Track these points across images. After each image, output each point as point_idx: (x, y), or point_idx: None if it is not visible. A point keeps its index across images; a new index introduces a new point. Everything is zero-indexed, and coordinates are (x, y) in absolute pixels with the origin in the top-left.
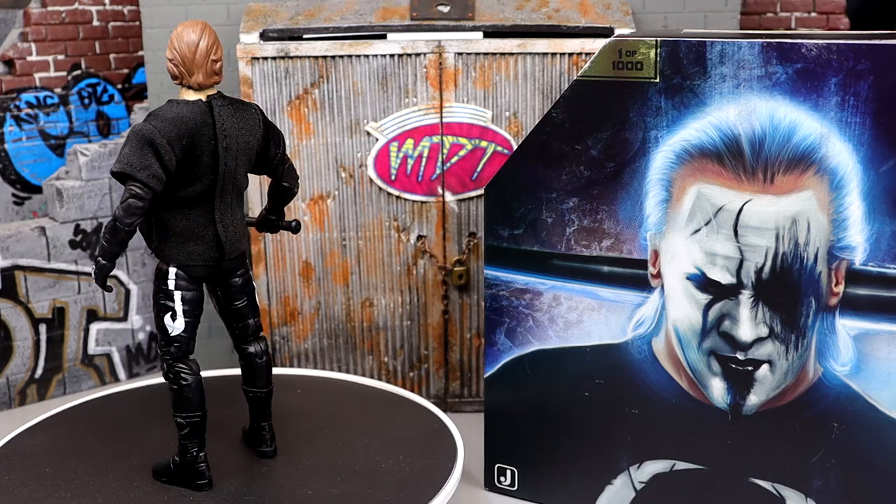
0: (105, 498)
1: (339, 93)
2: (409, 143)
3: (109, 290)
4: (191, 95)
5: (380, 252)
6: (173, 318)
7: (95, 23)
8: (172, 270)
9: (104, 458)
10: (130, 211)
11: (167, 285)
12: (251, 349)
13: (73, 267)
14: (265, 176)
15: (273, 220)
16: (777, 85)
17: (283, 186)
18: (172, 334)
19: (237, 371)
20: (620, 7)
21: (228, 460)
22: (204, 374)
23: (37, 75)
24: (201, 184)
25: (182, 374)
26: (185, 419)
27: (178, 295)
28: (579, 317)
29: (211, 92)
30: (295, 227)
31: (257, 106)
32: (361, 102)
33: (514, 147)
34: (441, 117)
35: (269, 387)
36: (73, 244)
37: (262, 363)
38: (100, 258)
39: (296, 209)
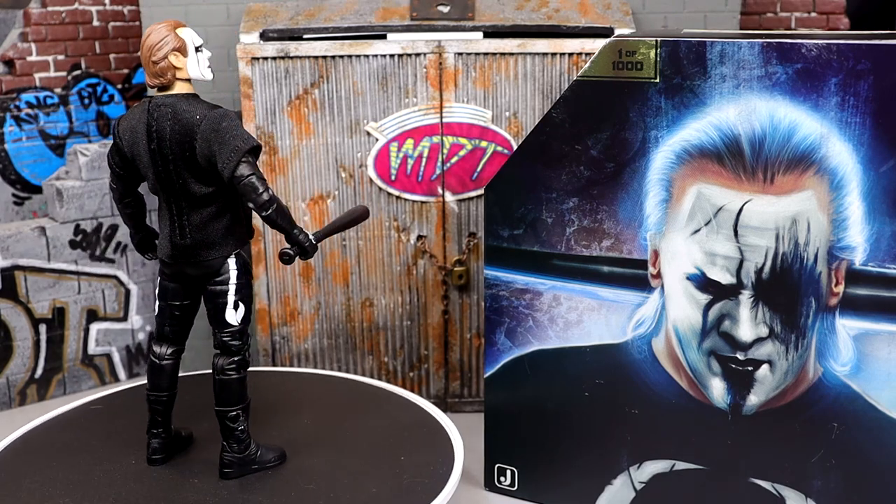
0: (105, 498)
1: (339, 93)
2: (409, 143)
3: (150, 258)
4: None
5: (380, 252)
6: (155, 299)
7: (95, 23)
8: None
9: (104, 459)
10: (111, 190)
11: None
12: (214, 360)
13: (73, 267)
14: None
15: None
16: (777, 85)
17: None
18: (155, 313)
19: None
20: (620, 7)
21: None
22: (203, 373)
23: (37, 75)
24: (149, 181)
25: (150, 353)
26: (145, 392)
27: (158, 279)
28: (579, 317)
29: (169, 92)
30: (280, 255)
31: (210, 115)
32: (361, 102)
33: (514, 147)
34: (441, 117)
35: (222, 408)
36: (73, 244)
37: (218, 380)
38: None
39: (296, 209)
